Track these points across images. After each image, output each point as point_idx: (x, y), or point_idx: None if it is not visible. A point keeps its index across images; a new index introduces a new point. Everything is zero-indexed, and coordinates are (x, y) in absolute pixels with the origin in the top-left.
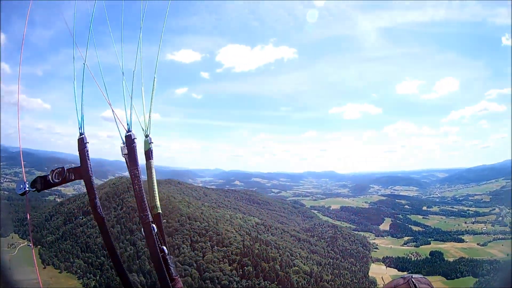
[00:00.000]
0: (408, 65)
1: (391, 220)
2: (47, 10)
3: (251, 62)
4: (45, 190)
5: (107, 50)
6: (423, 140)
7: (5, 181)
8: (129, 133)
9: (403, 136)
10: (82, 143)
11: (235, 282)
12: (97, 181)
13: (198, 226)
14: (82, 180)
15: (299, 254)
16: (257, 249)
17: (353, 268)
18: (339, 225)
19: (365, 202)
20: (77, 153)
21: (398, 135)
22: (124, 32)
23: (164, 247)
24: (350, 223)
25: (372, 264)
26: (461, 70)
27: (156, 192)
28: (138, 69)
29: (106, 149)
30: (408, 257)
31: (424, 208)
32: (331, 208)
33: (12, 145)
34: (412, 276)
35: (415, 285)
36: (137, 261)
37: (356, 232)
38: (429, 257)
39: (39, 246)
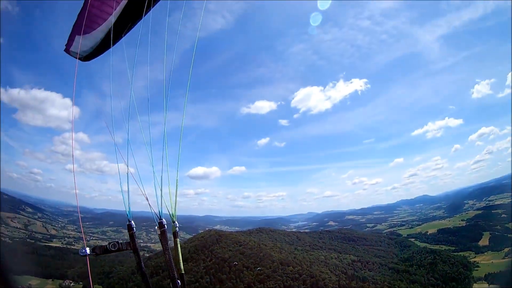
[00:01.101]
0: (476, 67)
1: (490, 234)
2: (118, 82)
3: (326, 101)
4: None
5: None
6: (509, 141)
7: (92, 239)
8: (160, 220)
9: (487, 142)
10: (130, 227)
11: None
12: (187, 236)
13: (291, 271)
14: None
15: (398, 286)
16: (354, 287)
17: None
18: (438, 249)
19: (462, 220)
20: (166, 212)
21: (483, 142)
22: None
23: None
24: (449, 245)
25: (474, 284)
26: None
27: (181, 259)
28: (171, 169)
29: (194, 205)
30: (511, 270)
31: None
32: (428, 233)
33: (97, 207)
34: None
35: None
36: None
37: (455, 254)
38: None
39: None
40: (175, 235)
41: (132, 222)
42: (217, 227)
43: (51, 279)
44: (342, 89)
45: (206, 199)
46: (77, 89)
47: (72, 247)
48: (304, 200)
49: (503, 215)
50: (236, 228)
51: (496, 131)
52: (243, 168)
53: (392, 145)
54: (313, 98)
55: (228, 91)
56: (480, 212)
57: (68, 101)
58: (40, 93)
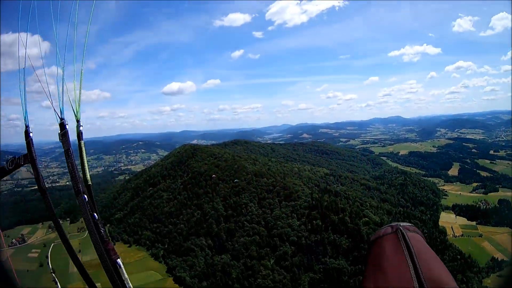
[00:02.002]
0: (461, 1)
1: (459, 165)
2: (85, 8)
3: (302, 15)
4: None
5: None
6: (485, 80)
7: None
8: (62, 121)
9: (464, 76)
10: (27, 134)
11: (303, 238)
12: (165, 153)
13: (265, 183)
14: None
15: (369, 203)
16: (326, 201)
17: (423, 217)
18: (409, 171)
19: (433, 147)
20: (144, 131)
21: (459, 75)
22: None
23: (95, 214)
24: (419, 169)
25: (442, 212)
26: None
27: (87, 167)
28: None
29: (171, 122)
30: (477, 205)
31: (491, 152)
32: (399, 153)
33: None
34: (399, 224)
35: (403, 233)
36: (204, 225)
37: (425, 178)
38: (498, 205)
39: (108, 225)
40: (79, 137)
41: (30, 127)
42: (194, 141)
43: (40, 223)
44: (319, 3)
45: (182, 114)
46: (48, 23)
47: (57, 184)
48: (279, 112)
49: (473, 150)
50: (213, 142)
51: (473, 67)
52: (217, 81)
53: (368, 63)
54: (288, 11)
55: (201, 5)
56: (451, 142)
57: (37, 37)
58: (8, 37)
